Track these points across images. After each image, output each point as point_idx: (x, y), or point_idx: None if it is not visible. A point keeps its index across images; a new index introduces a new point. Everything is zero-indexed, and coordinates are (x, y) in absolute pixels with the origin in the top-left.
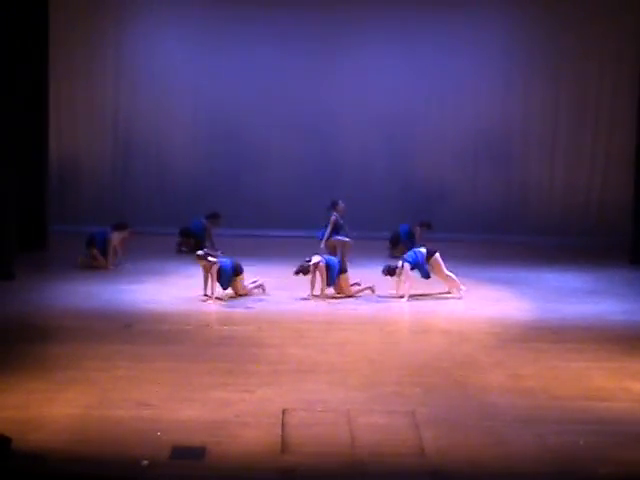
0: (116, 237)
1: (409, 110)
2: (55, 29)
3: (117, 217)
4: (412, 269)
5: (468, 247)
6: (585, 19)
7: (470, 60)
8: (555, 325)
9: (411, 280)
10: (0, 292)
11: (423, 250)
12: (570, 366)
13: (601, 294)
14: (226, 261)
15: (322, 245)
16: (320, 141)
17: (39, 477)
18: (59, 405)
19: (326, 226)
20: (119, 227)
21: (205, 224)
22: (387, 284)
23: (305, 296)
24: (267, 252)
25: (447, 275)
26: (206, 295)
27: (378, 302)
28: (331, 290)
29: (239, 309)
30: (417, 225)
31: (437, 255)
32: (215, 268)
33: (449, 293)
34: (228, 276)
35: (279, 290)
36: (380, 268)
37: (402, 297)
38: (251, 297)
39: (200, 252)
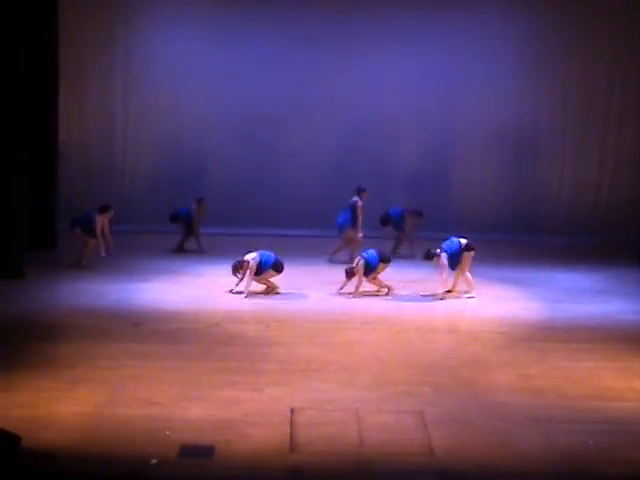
0: (100, 219)
1: (417, 110)
2: (64, 28)
3: (126, 217)
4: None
5: (477, 246)
6: (594, 18)
7: (479, 60)
8: (564, 325)
9: (447, 272)
10: (10, 291)
11: (463, 241)
12: (579, 366)
13: (610, 294)
14: (269, 255)
15: (360, 235)
16: (332, 141)
17: (48, 475)
18: (68, 404)
19: (353, 212)
20: (103, 209)
21: (192, 209)
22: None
23: (338, 293)
24: (277, 251)
25: (468, 275)
26: (236, 292)
27: (387, 301)
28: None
29: (248, 308)
30: (407, 213)
31: (472, 253)
32: (254, 263)
33: (466, 293)
34: (266, 269)
35: (289, 289)
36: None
37: (437, 292)
38: (261, 296)
39: (235, 264)
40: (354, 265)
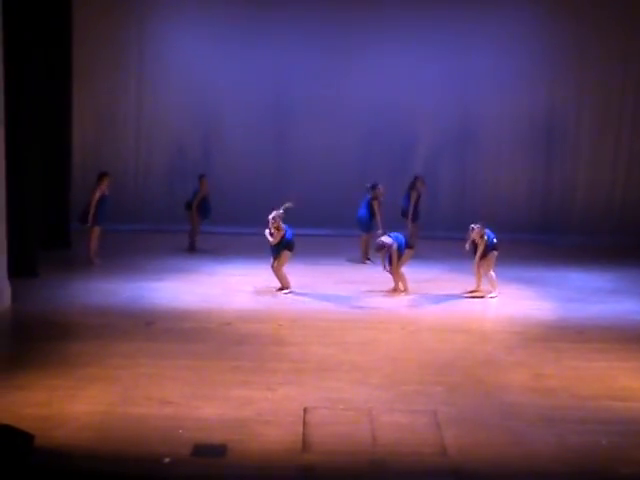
0: (99, 189)
1: (431, 109)
2: (78, 28)
3: (139, 216)
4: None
5: None
6: (608, 18)
7: (493, 60)
8: (577, 324)
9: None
10: (23, 290)
11: (492, 237)
12: (592, 366)
13: (624, 293)
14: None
15: (379, 232)
16: (346, 140)
17: (62, 474)
18: (81, 402)
19: (371, 209)
20: (100, 177)
21: (197, 187)
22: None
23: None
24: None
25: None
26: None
27: (399, 301)
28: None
29: (261, 307)
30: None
31: (496, 253)
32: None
33: (489, 292)
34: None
35: (301, 288)
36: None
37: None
38: (273, 295)
39: (378, 243)
40: (387, 243)
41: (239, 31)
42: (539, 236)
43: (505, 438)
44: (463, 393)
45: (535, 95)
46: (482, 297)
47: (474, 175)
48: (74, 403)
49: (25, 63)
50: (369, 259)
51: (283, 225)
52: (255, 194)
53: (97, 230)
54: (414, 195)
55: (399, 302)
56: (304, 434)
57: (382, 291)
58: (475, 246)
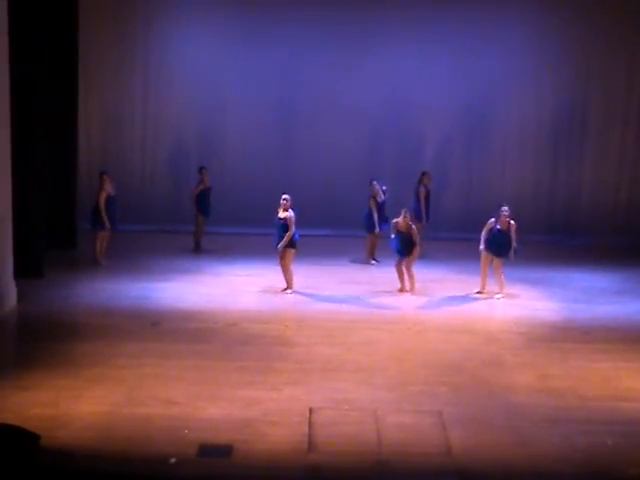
0: (104, 188)
1: (437, 110)
2: (84, 31)
3: (145, 217)
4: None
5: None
6: (614, 17)
7: (499, 60)
8: (583, 325)
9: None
10: (29, 290)
11: None
12: (598, 366)
13: (629, 294)
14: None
15: (378, 230)
16: (352, 141)
17: (67, 474)
18: (87, 402)
19: (369, 207)
20: (101, 177)
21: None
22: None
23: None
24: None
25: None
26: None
27: (405, 301)
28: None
29: (266, 308)
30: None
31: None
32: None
33: (497, 293)
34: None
35: (307, 289)
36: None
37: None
38: (277, 295)
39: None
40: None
41: (245, 31)
42: (545, 237)
43: (510, 438)
44: (468, 393)
45: (541, 95)
46: (489, 297)
47: (480, 176)
48: (80, 403)
49: (32, 64)
50: (375, 260)
51: (292, 213)
52: (261, 194)
53: (106, 233)
54: (422, 191)
55: (404, 302)
56: (310, 434)
57: (388, 292)
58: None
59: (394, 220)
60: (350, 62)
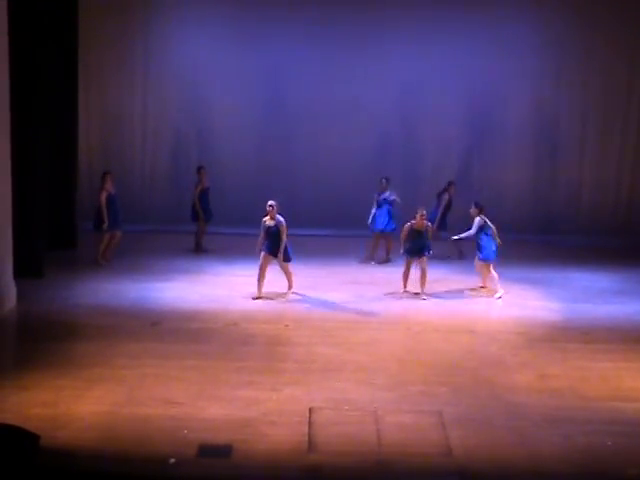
0: (105, 189)
1: (438, 112)
2: (84, 29)
3: (145, 216)
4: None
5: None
6: (614, 19)
7: (500, 61)
8: (583, 325)
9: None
10: (29, 290)
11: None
12: (598, 366)
13: (629, 294)
14: None
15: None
16: (356, 141)
17: (67, 474)
18: (87, 403)
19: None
20: (103, 177)
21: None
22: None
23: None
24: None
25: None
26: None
27: (405, 301)
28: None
29: (267, 308)
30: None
31: None
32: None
33: (483, 288)
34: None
35: (307, 289)
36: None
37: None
38: (278, 295)
39: None
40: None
41: (246, 31)
42: (544, 237)
43: (510, 438)
44: (468, 393)
45: (541, 95)
46: (489, 296)
47: (479, 175)
48: (80, 403)
49: (32, 64)
50: (389, 260)
51: (280, 218)
52: (261, 194)
53: (114, 234)
54: (445, 199)
55: (404, 303)
56: (310, 434)
57: (389, 292)
58: None
59: (410, 222)
60: (350, 62)
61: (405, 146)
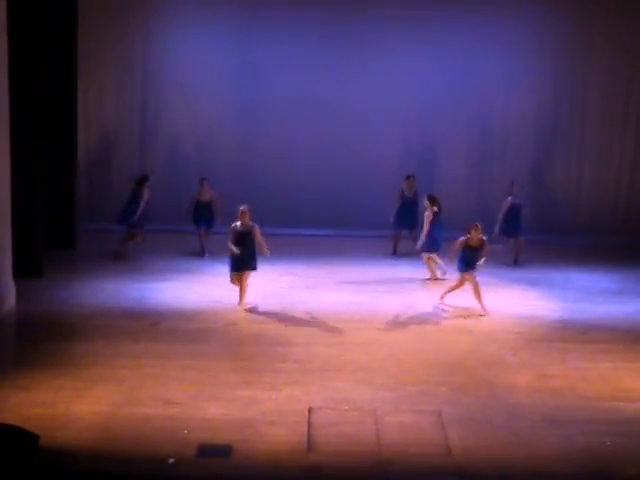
0: (146, 192)
1: (435, 110)
2: (83, 29)
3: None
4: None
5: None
6: (614, 18)
7: (499, 60)
8: (582, 325)
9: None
10: (28, 290)
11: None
12: (597, 366)
13: (629, 294)
14: None
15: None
16: (350, 140)
17: (66, 474)
18: (86, 403)
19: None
20: (142, 181)
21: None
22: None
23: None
24: (295, 251)
25: None
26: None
27: (404, 301)
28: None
29: (266, 308)
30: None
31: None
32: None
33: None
34: None
35: (306, 289)
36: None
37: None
38: (277, 296)
39: None
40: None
41: (246, 34)
42: (544, 237)
43: (510, 438)
44: (468, 393)
45: (540, 96)
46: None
47: (478, 175)
48: (79, 403)
49: (32, 64)
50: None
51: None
52: (261, 195)
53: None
54: (508, 201)
55: (403, 302)
56: (309, 434)
57: (389, 292)
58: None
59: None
60: (350, 62)
61: (404, 146)
